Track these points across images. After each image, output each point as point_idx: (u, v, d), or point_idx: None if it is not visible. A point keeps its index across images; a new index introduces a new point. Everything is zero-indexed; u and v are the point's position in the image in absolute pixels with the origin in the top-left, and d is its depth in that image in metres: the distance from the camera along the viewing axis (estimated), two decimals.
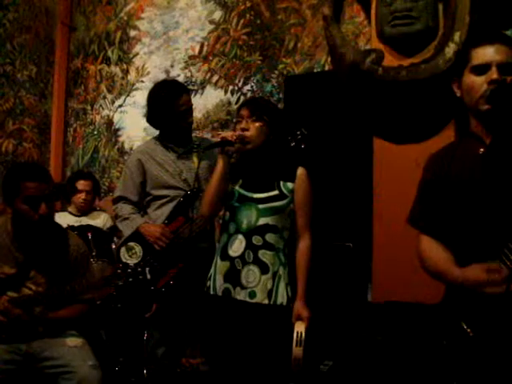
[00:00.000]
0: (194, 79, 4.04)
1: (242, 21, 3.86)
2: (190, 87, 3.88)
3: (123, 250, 2.56)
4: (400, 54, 2.53)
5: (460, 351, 1.47)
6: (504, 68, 1.50)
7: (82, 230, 3.16)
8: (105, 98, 4.52)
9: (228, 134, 2.08)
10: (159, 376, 2.62)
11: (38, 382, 2.17)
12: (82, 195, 3.54)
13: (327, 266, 2.62)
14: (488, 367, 1.43)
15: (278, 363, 1.97)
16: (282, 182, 2.09)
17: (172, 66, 4.18)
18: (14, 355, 2.13)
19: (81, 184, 3.56)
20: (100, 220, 3.53)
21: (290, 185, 2.09)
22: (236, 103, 3.78)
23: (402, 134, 2.54)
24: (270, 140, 2.09)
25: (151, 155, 2.65)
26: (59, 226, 2.40)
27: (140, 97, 4.21)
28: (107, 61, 4.51)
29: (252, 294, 2.01)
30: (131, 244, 2.55)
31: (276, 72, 3.69)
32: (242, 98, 3.78)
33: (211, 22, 4.00)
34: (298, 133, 2.26)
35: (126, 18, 4.46)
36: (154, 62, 4.29)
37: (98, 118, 4.55)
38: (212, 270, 2.12)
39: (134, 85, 4.38)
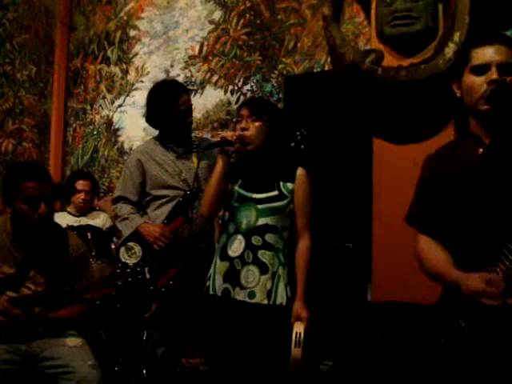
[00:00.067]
0: (193, 79, 4.04)
1: (241, 21, 3.86)
2: (190, 87, 3.88)
3: (122, 249, 2.56)
4: (400, 54, 2.53)
5: (458, 350, 1.47)
6: (504, 68, 1.50)
7: (82, 229, 3.16)
8: (104, 97, 4.51)
9: (228, 133, 2.07)
10: (159, 376, 2.62)
11: (37, 382, 2.17)
12: (81, 195, 3.54)
13: (327, 267, 2.62)
14: (485, 366, 1.43)
15: (277, 363, 1.97)
16: (281, 183, 2.09)
17: (172, 66, 4.17)
18: (14, 355, 2.13)
19: (80, 184, 3.56)
20: (99, 220, 3.53)
21: (289, 185, 2.09)
22: (236, 103, 3.78)
23: (401, 134, 2.54)
24: (270, 140, 2.09)
25: (151, 155, 2.65)
26: (59, 225, 2.40)
27: (140, 97, 4.21)
28: (107, 61, 4.51)
29: (251, 294, 2.01)
30: (131, 244, 2.55)
31: (276, 72, 3.69)
32: (242, 97, 3.78)
33: (211, 21, 4.00)
34: (298, 133, 2.26)
35: (125, 17, 4.46)
36: (153, 62, 4.29)
37: (97, 117, 4.55)
38: (211, 270, 2.12)
39: (133, 85, 4.37)
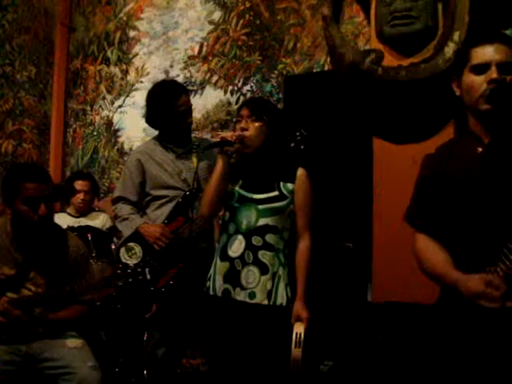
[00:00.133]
0: (193, 79, 4.04)
1: (241, 21, 3.86)
2: (190, 87, 3.88)
3: (123, 250, 2.56)
4: (399, 54, 2.53)
5: (457, 350, 1.46)
6: (504, 67, 1.49)
7: (82, 230, 3.16)
8: (104, 98, 4.51)
9: (227, 134, 2.08)
10: (159, 376, 2.62)
11: (37, 383, 2.16)
12: (81, 195, 3.54)
13: (327, 267, 2.62)
14: (484, 366, 1.42)
15: (278, 364, 1.97)
16: (282, 183, 2.09)
17: (171, 67, 4.17)
18: (14, 356, 2.13)
19: (79, 184, 3.56)
20: (99, 220, 3.53)
21: (290, 185, 2.09)
22: (236, 103, 3.78)
23: (401, 134, 2.54)
24: (270, 140, 2.09)
25: (150, 155, 2.65)
26: (59, 226, 2.40)
27: (139, 97, 4.21)
28: (106, 61, 4.51)
29: (252, 295, 2.01)
30: (131, 244, 2.55)
31: (275, 72, 3.69)
32: (242, 98, 3.78)
33: (211, 22, 4.00)
34: (298, 134, 2.26)
35: (125, 18, 4.45)
36: (153, 63, 4.29)
37: (97, 118, 4.55)
38: (211, 271, 2.12)
39: (133, 85, 4.37)
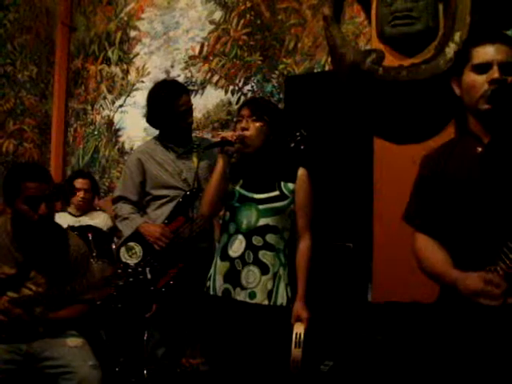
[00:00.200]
0: (194, 79, 4.04)
1: (242, 21, 3.86)
2: (191, 87, 3.88)
3: (123, 249, 2.56)
4: (400, 54, 2.53)
5: (456, 349, 1.46)
6: (505, 68, 1.49)
7: (83, 230, 3.16)
8: (105, 98, 4.52)
9: (228, 133, 2.08)
10: (159, 376, 2.62)
11: (38, 382, 2.17)
12: (81, 193, 3.54)
13: (327, 267, 2.62)
14: (484, 365, 1.42)
15: (278, 364, 1.97)
16: (282, 183, 2.09)
17: (172, 67, 4.17)
18: (15, 355, 2.13)
19: (79, 183, 3.57)
20: (100, 220, 3.53)
21: (290, 185, 2.09)
22: (236, 103, 3.78)
23: (402, 134, 2.54)
24: (270, 140, 2.09)
25: (151, 155, 2.65)
26: (59, 226, 2.40)
27: (140, 97, 4.21)
28: (107, 61, 4.51)
29: (252, 295, 2.01)
30: (131, 244, 2.55)
31: (276, 72, 3.69)
32: (243, 98, 3.78)
33: (211, 22, 4.00)
34: (298, 134, 2.26)
35: (126, 18, 4.46)
36: (154, 63, 4.29)
37: (98, 118, 4.55)
38: (212, 271, 2.12)
39: (134, 85, 4.38)
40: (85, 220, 3.48)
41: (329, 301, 2.54)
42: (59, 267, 2.24)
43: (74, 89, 4.68)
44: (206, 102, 3.96)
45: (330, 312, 2.48)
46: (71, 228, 3.03)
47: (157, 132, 2.76)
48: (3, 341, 2.12)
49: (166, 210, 2.58)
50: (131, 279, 2.46)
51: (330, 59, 3.21)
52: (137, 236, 2.56)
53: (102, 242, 3.21)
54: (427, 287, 1.64)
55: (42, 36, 4.60)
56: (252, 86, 3.79)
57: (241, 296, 2.02)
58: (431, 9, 2.44)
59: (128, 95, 4.40)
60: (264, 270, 2.02)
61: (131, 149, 4.23)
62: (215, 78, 3.95)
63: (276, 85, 3.68)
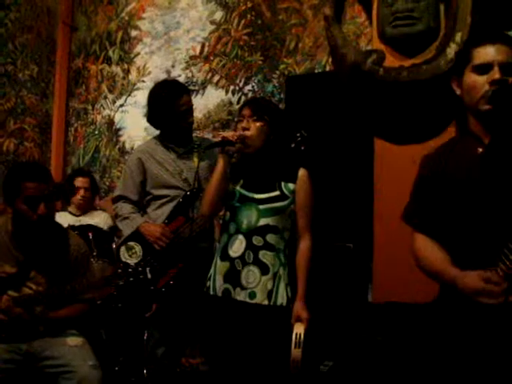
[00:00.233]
0: (195, 79, 4.04)
1: (243, 21, 3.86)
2: (191, 87, 3.88)
3: (123, 249, 2.56)
4: (401, 55, 2.53)
5: (456, 348, 1.46)
6: (506, 68, 1.49)
7: (83, 229, 3.16)
8: (106, 97, 4.51)
9: (229, 133, 2.08)
10: (159, 376, 2.62)
11: (38, 382, 2.17)
12: (81, 192, 3.54)
13: (328, 267, 2.62)
14: (484, 364, 1.42)
15: (277, 364, 1.97)
16: (283, 183, 2.09)
17: (173, 66, 4.17)
18: (14, 354, 2.13)
19: (79, 181, 3.57)
20: (100, 219, 3.53)
21: (291, 185, 2.09)
22: (237, 103, 3.78)
23: (403, 135, 2.54)
24: (271, 140, 2.09)
25: (151, 154, 2.65)
26: (60, 225, 2.40)
27: (141, 97, 4.21)
28: (108, 61, 4.51)
29: (252, 295, 2.01)
30: (131, 243, 2.55)
31: (277, 72, 3.69)
32: (243, 98, 3.77)
33: (212, 22, 4.00)
34: (298, 135, 2.26)
35: (127, 18, 4.46)
36: (155, 62, 4.28)
37: (98, 117, 4.55)
38: (212, 271, 2.12)
39: (135, 85, 4.37)
40: (85, 219, 3.48)
41: (329, 301, 2.54)
42: (59, 266, 2.24)
43: (75, 88, 4.68)
44: (206, 102, 3.96)
45: (329, 312, 2.48)
46: (72, 227, 3.03)
47: (157, 132, 2.76)
48: (3, 340, 2.12)
49: (167, 209, 2.58)
50: (131, 279, 2.46)
51: (330, 59, 3.21)
52: (137, 236, 2.56)
53: (103, 241, 3.21)
54: (427, 287, 1.64)
55: (43, 35, 4.60)
56: (253, 86, 3.79)
57: (241, 296, 2.02)
58: (432, 9, 2.44)
59: (129, 95, 4.40)
60: (264, 270, 2.02)
61: (132, 148, 4.23)
62: (216, 77, 3.95)
63: (277, 85, 3.67)
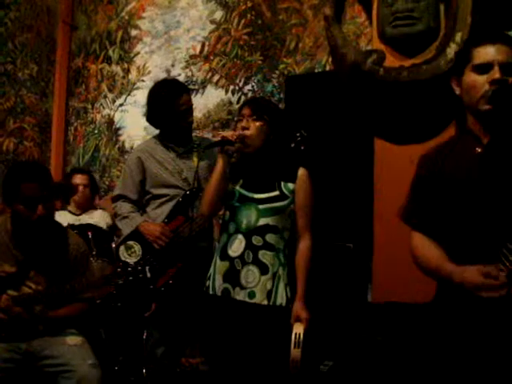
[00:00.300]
0: (194, 79, 4.04)
1: (243, 21, 3.85)
2: (191, 87, 3.88)
3: (122, 248, 2.56)
4: (401, 55, 2.53)
5: (455, 347, 1.46)
6: (506, 68, 1.49)
7: (83, 229, 3.16)
8: (106, 97, 4.51)
9: (228, 133, 2.08)
10: (158, 375, 2.62)
11: (37, 381, 2.17)
12: (79, 188, 3.54)
13: (327, 267, 2.62)
14: (484, 362, 1.42)
15: (277, 364, 1.97)
16: (282, 183, 2.09)
17: (173, 66, 4.17)
18: (14, 354, 2.13)
19: (78, 178, 3.57)
20: (100, 219, 3.53)
21: (290, 185, 2.09)
22: (237, 103, 3.78)
23: (403, 135, 2.54)
24: (271, 140, 2.09)
25: (151, 153, 2.65)
26: (59, 224, 2.40)
27: (141, 96, 4.20)
28: (108, 60, 4.51)
29: (251, 295, 2.01)
30: (130, 243, 2.55)
31: (277, 72, 3.68)
32: (243, 97, 3.77)
33: (212, 21, 4.00)
34: (298, 134, 2.26)
35: (127, 17, 4.45)
36: (154, 62, 4.28)
37: (98, 117, 4.55)
38: (211, 270, 2.12)
39: (134, 84, 4.37)
40: (85, 218, 3.48)
41: (329, 301, 2.54)
42: (59, 266, 2.24)
43: (75, 87, 4.68)
44: (206, 102, 3.96)
45: (329, 312, 2.48)
46: (71, 226, 3.03)
47: (157, 131, 2.76)
48: (3, 339, 2.12)
49: (166, 209, 2.58)
50: (131, 278, 2.46)
51: (330, 59, 3.21)
52: (136, 235, 2.56)
53: (102, 240, 3.21)
54: (427, 287, 1.64)
55: (42, 34, 4.59)
56: (252, 86, 3.79)
57: (240, 296, 2.02)
58: (432, 9, 2.44)
59: (128, 94, 4.40)
60: (263, 269, 2.02)
61: (131, 148, 4.22)
62: (216, 77, 3.95)
63: (276, 85, 3.67)
